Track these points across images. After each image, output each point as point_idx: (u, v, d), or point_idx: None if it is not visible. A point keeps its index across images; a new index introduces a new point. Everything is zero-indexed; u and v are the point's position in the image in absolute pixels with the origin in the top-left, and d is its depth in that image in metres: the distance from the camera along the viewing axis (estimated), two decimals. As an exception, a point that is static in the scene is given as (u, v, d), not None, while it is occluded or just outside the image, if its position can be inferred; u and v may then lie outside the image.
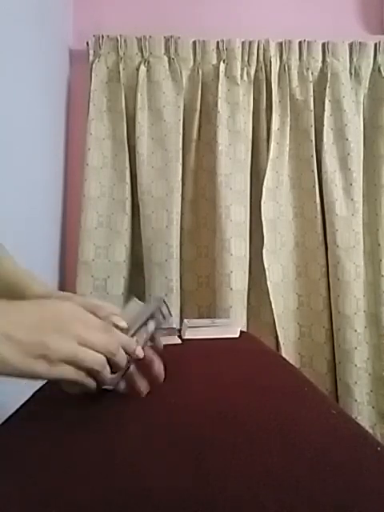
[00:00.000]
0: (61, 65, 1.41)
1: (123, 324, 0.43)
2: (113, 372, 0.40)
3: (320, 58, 1.42)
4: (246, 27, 1.45)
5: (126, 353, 0.41)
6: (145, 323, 0.46)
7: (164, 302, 0.48)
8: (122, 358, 0.40)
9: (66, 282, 1.38)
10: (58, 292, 0.52)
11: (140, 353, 0.42)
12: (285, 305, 1.36)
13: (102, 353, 0.37)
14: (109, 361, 0.38)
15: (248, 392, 0.48)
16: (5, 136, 0.92)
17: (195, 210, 1.39)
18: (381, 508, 0.26)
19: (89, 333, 0.36)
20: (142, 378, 0.45)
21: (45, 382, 0.50)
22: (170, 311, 0.49)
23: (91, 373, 0.38)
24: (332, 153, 1.37)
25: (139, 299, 0.49)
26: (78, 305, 0.40)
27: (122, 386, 0.43)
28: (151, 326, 0.46)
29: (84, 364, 0.36)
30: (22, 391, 0.47)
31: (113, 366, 0.39)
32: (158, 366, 0.46)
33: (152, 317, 0.47)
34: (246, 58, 1.39)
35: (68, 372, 0.35)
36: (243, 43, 1.39)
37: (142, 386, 0.44)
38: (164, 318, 0.48)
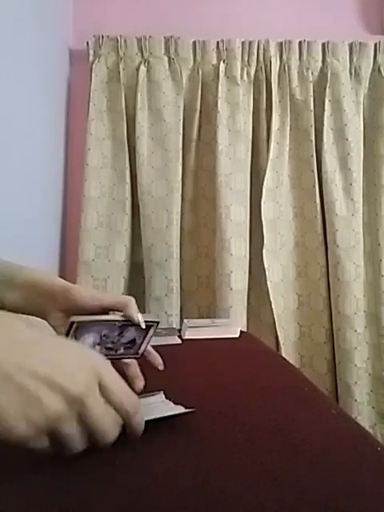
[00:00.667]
0: (61, 65, 1.41)
1: (142, 322, 0.44)
2: None
3: (320, 58, 1.42)
4: (246, 27, 1.45)
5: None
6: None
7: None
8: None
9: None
10: (49, 277, 0.48)
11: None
12: (285, 305, 1.36)
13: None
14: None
15: (248, 392, 0.48)
16: (5, 136, 0.92)
17: (195, 210, 1.39)
18: (381, 508, 0.26)
19: (97, 414, 0.28)
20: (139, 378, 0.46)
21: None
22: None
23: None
24: (332, 153, 1.37)
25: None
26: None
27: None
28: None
29: (68, 435, 0.28)
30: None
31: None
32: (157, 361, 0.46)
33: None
34: (245, 58, 1.39)
35: (41, 442, 0.28)
36: (243, 43, 1.39)
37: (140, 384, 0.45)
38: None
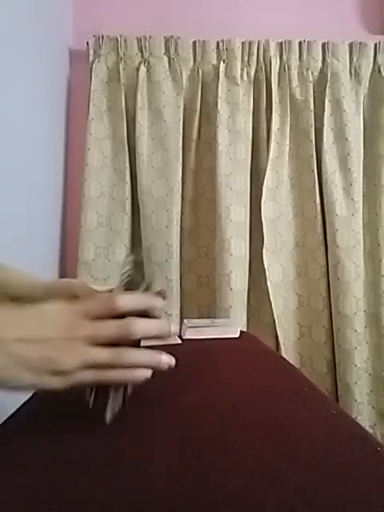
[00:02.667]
0: (61, 65, 1.41)
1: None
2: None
3: (320, 58, 1.42)
4: (246, 27, 1.45)
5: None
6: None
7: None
8: (141, 331, 0.35)
9: (66, 282, 1.38)
10: (49, 282, 0.50)
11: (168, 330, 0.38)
12: (285, 305, 1.36)
13: (118, 341, 0.35)
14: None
15: (248, 392, 0.48)
16: (5, 136, 0.92)
17: (195, 209, 1.39)
18: (381, 508, 0.26)
19: (97, 328, 0.34)
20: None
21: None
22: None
23: (114, 365, 0.35)
24: (332, 153, 1.37)
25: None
26: (77, 289, 0.41)
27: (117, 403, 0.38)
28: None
29: (100, 363, 0.34)
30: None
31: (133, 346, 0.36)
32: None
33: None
34: (246, 58, 1.39)
35: (86, 377, 0.34)
36: (243, 43, 1.39)
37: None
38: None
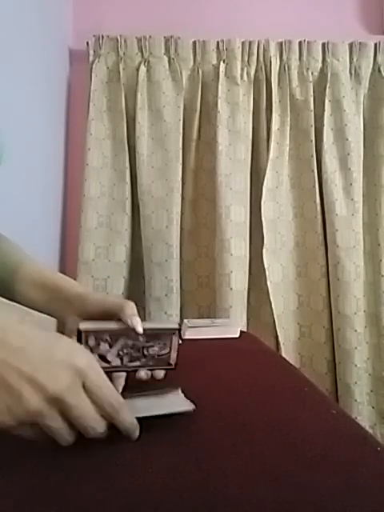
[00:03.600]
0: (61, 65, 1.41)
1: (140, 329, 0.41)
2: None
3: (320, 58, 1.42)
4: (246, 27, 1.45)
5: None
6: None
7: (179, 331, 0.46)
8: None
9: (66, 281, 1.38)
10: (55, 275, 0.52)
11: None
12: (285, 305, 1.36)
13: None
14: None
15: (248, 392, 0.48)
16: (4, 136, 0.92)
17: (195, 209, 1.39)
18: (381, 508, 0.26)
19: (81, 407, 0.31)
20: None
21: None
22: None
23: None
24: (332, 153, 1.37)
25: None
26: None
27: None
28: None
29: (49, 427, 0.31)
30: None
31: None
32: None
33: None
34: (245, 58, 1.39)
35: (23, 431, 0.31)
36: (243, 43, 1.39)
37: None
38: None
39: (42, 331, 0.33)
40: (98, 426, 0.32)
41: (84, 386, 0.31)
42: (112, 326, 0.43)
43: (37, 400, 0.29)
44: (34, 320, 0.37)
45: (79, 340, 0.41)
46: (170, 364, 0.46)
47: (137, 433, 0.34)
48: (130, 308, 0.43)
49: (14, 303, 0.51)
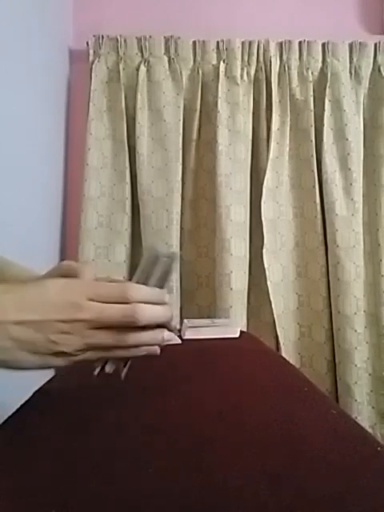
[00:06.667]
0: (61, 65, 1.41)
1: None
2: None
3: (320, 58, 1.42)
4: (246, 27, 1.45)
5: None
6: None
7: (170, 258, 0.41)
8: (145, 319, 0.35)
9: (66, 282, 1.38)
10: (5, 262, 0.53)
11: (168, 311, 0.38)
12: (285, 305, 1.36)
13: (121, 326, 0.34)
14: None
15: (248, 392, 0.48)
16: (4, 136, 0.92)
17: (195, 209, 1.39)
18: (381, 508, 0.26)
19: (101, 312, 0.33)
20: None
21: (44, 382, 0.50)
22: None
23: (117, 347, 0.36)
24: (332, 153, 1.37)
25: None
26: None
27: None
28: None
29: (103, 346, 0.35)
30: (22, 390, 0.47)
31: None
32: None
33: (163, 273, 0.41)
34: (245, 58, 1.39)
35: (90, 356, 0.35)
36: (243, 43, 1.39)
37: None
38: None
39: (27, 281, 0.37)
40: (128, 315, 0.34)
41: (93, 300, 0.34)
42: None
43: (94, 333, 0.33)
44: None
45: None
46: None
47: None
48: (89, 272, 0.41)
49: None
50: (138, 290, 0.36)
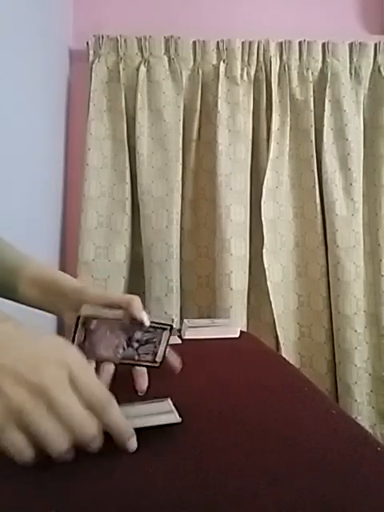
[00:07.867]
0: (61, 65, 1.41)
1: (147, 322, 0.44)
2: None
3: (320, 58, 1.42)
4: (246, 27, 1.45)
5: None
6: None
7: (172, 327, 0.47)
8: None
9: (66, 281, 1.38)
10: (53, 271, 0.53)
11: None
12: (285, 305, 1.36)
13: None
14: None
15: (248, 392, 0.48)
16: (5, 136, 0.92)
17: (195, 209, 1.39)
18: (381, 508, 0.26)
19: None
20: (143, 377, 0.47)
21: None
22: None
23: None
24: (332, 153, 1.37)
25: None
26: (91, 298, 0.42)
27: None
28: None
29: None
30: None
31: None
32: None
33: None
34: (245, 58, 1.39)
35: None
36: (243, 43, 1.39)
37: (143, 385, 0.45)
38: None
39: (25, 329, 0.32)
40: (87, 425, 0.28)
41: (70, 381, 0.29)
42: (111, 315, 0.44)
43: (20, 393, 0.27)
44: (18, 322, 0.35)
45: (76, 324, 0.42)
46: (156, 361, 0.46)
47: (134, 442, 0.32)
48: (138, 302, 0.45)
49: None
50: (120, 417, 0.31)
